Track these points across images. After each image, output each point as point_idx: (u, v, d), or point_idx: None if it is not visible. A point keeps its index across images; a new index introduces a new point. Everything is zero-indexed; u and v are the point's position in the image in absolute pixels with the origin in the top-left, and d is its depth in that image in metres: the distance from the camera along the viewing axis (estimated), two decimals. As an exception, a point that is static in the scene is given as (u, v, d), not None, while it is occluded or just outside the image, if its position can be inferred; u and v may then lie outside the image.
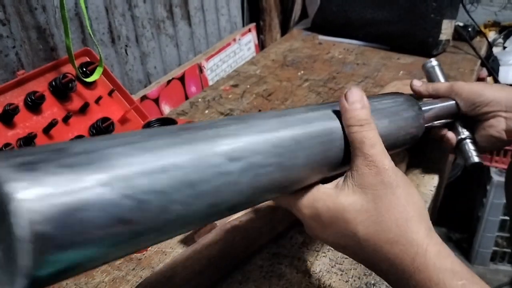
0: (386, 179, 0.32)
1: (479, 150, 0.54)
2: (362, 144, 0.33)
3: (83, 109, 0.63)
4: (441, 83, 0.55)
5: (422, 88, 0.55)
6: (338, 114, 0.35)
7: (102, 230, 0.21)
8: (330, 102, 0.38)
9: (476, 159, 0.53)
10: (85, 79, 0.64)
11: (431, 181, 0.59)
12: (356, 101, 0.34)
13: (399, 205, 0.31)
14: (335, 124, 0.34)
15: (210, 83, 0.94)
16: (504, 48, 1.17)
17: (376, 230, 0.31)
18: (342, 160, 0.35)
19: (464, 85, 0.52)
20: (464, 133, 0.54)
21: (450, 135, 0.55)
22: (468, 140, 0.54)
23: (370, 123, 0.33)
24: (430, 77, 0.58)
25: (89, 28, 0.62)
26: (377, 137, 0.33)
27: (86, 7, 0.68)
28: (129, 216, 0.22)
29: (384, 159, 0.32)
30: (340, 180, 0.34)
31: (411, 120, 0.44)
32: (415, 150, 0.62)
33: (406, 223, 0.30)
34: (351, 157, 0.34)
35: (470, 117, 0.53)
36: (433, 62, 0.59)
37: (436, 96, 0.54)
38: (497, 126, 0.52)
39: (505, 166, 1.24)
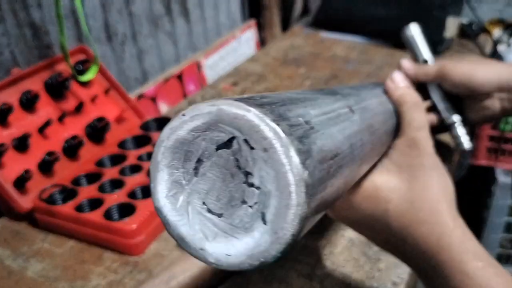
0: (425, 162, 0.32)
1: (471, 128, 0.53)
2: (408, 126, 0.33)
3: (79, 108, 0.62)
4: (430, 67, 0.51)
5: (411, 72, 0.51)
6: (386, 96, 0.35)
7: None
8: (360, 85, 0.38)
9: (467, 145, 0.52)
10: (80, 79, 0.62)
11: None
12: (402, 81, 0.34)
13: (433, 187, 0.32)
14: (391, 107, 0.34)
15: (209, 81, 0.93)
16: (509, 45, 1.15)
17: (407, 209, 0.31)
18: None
19: (454, 68, 0.50)
20: (454, 117, 0.52)
21: (431, 117, 0.53)
22: (458, 124, 0.52)
23: (419, 103, 0.33)
24: (411, 49, 0.54)
25: (84, 26, 0.61)
26: (425, 119, 0.33)
27: (82, 5, 0.66)
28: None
29: (428, 143, 0.33)
30: None
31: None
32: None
33: (437, 204, 0.31)
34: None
35: (463, 97, 0.52)
36: (412, 29, 0.53)
37: (425, 81, 0.52)
38: (490, 107, 0.51)
39: (511, 167, 1.23)
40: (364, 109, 0.29)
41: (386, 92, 0.36)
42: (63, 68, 0.62)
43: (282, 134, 0.17)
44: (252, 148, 0.18)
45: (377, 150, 0.31)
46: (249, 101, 0.19)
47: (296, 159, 0.18)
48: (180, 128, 0.19)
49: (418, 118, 0.33)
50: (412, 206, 0.31)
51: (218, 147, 0.19)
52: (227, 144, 0.18)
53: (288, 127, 0.18)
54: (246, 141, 0.18)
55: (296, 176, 0.18)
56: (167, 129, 0.20)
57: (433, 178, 0.32)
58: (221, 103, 0.18)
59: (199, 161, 0.19)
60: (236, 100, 0.18)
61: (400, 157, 0.33)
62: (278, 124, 0.18)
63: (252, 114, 0.18)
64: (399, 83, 0.34)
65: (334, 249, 0.48)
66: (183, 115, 0.19)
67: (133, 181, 0.54)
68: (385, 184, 0.32)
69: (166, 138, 0.20)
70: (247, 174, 0.18)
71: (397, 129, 0.34)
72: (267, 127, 0.17)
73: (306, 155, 0.18)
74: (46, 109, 0.59)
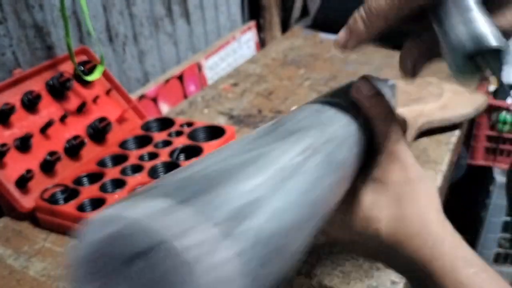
0: (410, 175, 0.31)
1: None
2: (385, 140, 0.31)
3: (80, 109, 0.62)
4: None
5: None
6: (348, 111, 0.31)
7: None
8: (313, 102, 0.33)
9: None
10: (85, 78, 0.63)
11: (434, 183, 0.58)
12: (371, 90, 0.32)
13: (420, 199, 0.31)
14: (353, 125, 0.31)
15: (209, 82, 0.93)
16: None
17: (398, 226, 0.31)
18: (365, 160, 0.32)
19: None
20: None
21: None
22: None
23: (391, 113, 0.32)
24: None
25: (90, 27, 0.61)
26: (400, 129, 0.32)
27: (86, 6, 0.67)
28: None
29: (408, 154, 0.32)
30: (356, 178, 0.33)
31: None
32: (417, 151, 0.61)
33: (427, 215, 0.31)
34: (371, 152, 0.33)
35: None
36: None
37: None
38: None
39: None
40: (328, 141, 0.27)
41: (351, 103, 0.32)
42: (65, 68, 0.62)
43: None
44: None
45: (348, 179, 0.30)
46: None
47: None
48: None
49: (394, 130, 0.31)
50: (403, 223, 0.31)
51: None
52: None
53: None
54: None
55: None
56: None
57: (420, 191, 0.31)
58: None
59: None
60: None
61: (384, 174, 0.32)
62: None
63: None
64: (367, 92, 0.31)
65: (334, 248, 0.48)
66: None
67: (134, 181, 0.55)
68: (374, 205, 0.32)
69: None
70: None
71: (369, 144, 0.32)
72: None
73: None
74: (48, 109, 0.60)
